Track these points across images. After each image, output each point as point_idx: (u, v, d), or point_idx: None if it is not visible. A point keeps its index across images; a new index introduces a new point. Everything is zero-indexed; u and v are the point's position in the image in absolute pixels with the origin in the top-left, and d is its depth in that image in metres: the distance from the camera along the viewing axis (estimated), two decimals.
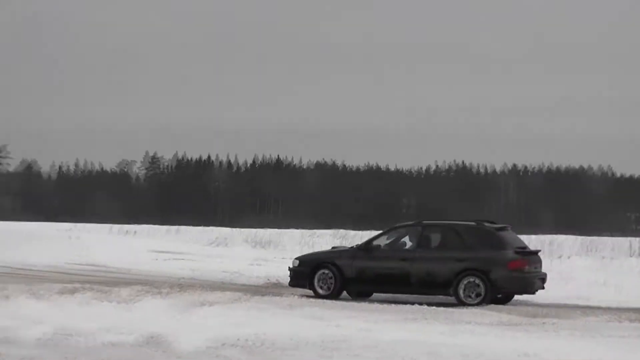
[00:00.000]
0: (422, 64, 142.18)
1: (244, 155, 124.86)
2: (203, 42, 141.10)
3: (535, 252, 15.68)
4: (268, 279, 18.02)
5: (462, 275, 14.34)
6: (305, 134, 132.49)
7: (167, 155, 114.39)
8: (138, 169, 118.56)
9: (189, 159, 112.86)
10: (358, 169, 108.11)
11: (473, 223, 15.60)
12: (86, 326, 9.71)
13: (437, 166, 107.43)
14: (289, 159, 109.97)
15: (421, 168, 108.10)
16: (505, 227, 15.73)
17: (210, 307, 11.60)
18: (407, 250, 15.39)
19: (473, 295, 14.19)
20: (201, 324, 10.19)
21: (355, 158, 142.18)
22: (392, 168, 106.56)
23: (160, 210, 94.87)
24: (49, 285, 12.95)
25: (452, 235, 15.29)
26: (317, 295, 14.69)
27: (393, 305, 13.36)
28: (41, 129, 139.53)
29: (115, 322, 10.01)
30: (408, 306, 13.14)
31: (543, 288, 14.94)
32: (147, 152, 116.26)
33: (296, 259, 15.80)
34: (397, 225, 16.61)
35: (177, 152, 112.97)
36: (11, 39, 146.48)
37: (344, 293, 15.13)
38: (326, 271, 14.94)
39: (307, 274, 15.03)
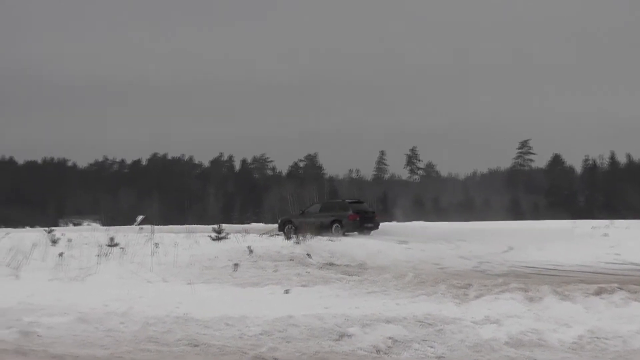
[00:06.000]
0: None
1: None
2: None
3: (370, 212, 32.72)
4: None
5: (333, 222, 30.54)
6: None
7: None
8: None
9: None
10: None
11: (339, 200, 36.35)
12: (619, 329, 9.08)
13: None
14: None
15: None
16: (358, 201, 34.32)
17: None
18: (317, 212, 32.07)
19: (338, 232, 29.59)
20: None
21: None
22: None
23: None
24: (576, 285, 12.55)
25: (330, 206, 32.67)
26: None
27: None
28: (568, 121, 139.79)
29: None
30: None
31: (377, 228, 31.60)
32: None
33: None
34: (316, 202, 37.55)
35: None
36: None
37: None
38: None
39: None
